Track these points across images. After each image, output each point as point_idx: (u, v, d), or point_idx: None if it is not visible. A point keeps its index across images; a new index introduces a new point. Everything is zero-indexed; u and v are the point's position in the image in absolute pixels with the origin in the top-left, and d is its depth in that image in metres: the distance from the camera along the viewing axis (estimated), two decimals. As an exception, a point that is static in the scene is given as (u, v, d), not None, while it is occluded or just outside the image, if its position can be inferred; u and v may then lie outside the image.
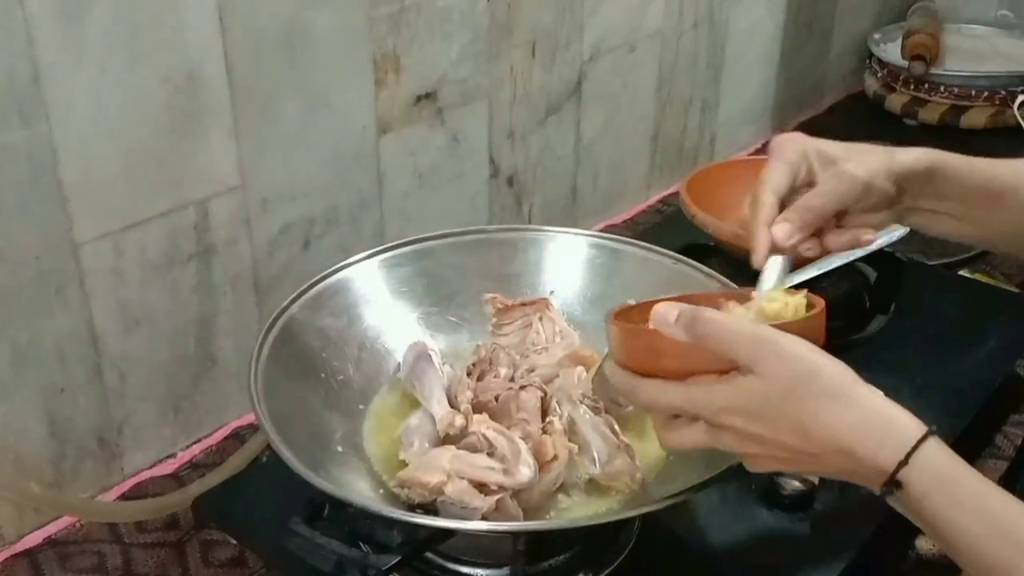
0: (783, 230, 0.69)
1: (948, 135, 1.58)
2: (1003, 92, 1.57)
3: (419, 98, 1.04)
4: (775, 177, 0.71)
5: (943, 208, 0.74)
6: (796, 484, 0.80)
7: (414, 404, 0.79)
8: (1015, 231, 0.75)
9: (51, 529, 0.87)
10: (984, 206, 0.74)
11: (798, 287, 0.68)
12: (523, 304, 0.86)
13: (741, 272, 0.98)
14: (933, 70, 1.60)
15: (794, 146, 0.72)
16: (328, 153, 0.98)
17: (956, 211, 0.74)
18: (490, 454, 0.71)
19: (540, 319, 0.85)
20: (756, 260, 0.70)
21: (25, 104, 0.75)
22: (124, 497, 0.90)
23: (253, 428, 0.96)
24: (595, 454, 0.73)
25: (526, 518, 0.70)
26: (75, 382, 0.86)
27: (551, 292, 0.89)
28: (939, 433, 0.57)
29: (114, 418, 0.90)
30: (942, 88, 1.60)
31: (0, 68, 0.73)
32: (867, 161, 0.71)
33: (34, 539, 0.86)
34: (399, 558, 0.63)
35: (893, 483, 0.56)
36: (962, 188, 0.73)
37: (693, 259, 0.88)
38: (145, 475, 0.93)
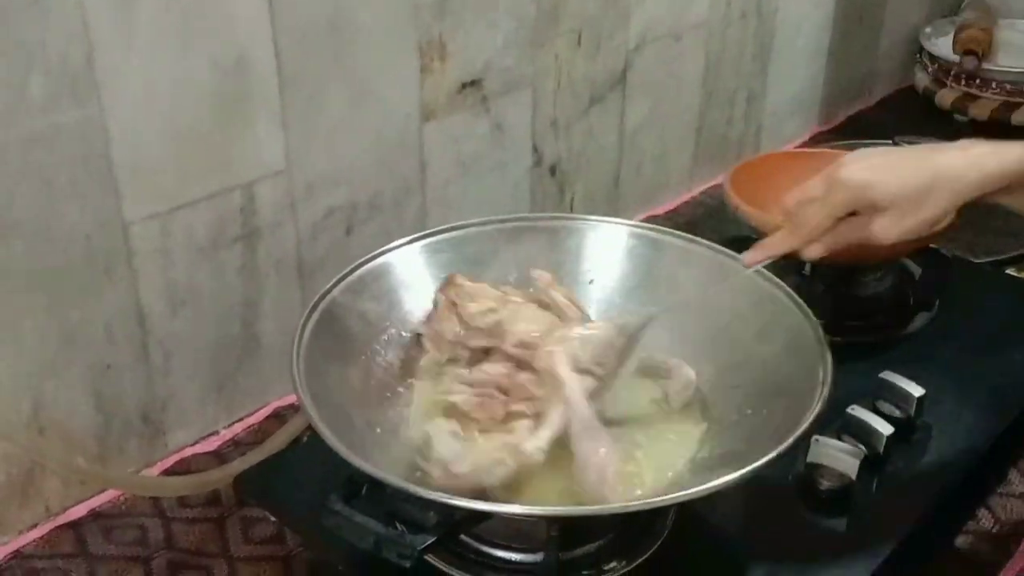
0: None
1: (998, 132, 1.55)
2: (1056, 89, 1.54)
3: (464, 86, 1.04)
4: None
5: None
6: (834, 480, 0.80)
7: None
8: None
9: (95, 502, 0.89)
10: None
11: None
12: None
13: (783, 265, 0.98)
14: (985, 66, 1.57)
15: (844, 193, 0.71)
16: (372, 140, 0.98)
17: None
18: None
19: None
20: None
21: (78, 85, 0.77)
22: (167, 473, 0.92)
23: (294, 408, 0.97)
24: None
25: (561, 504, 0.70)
26: (122, 360, 0.87)
27: (591, 281, 0.89)
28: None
29: (159, 396, 0.91)
30: (994, 84, 1.57)
31: (55, 49, 0.75)
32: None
33: (79, 511, 0.88)
34: (435, 538, 0.64)
35: None
36: None
37: (735, 251, 0.87)
38: (188, 452, 0.95)
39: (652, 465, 0.75)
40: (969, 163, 0.68)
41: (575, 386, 0.72)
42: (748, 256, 0.76)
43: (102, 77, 0.78)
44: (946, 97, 1.62)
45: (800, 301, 0.81)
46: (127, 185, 0.82)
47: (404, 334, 0.83)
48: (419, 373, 0.81)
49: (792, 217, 0.73)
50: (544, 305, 0.81)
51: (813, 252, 0.72)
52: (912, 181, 0.68)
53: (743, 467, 0.65)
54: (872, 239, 0.69)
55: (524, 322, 0.78)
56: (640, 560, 0.75)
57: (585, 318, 0.82)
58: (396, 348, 0.83)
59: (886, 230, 0.68)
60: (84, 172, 0.79)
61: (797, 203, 0.73)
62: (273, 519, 0.85)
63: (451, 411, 0.74)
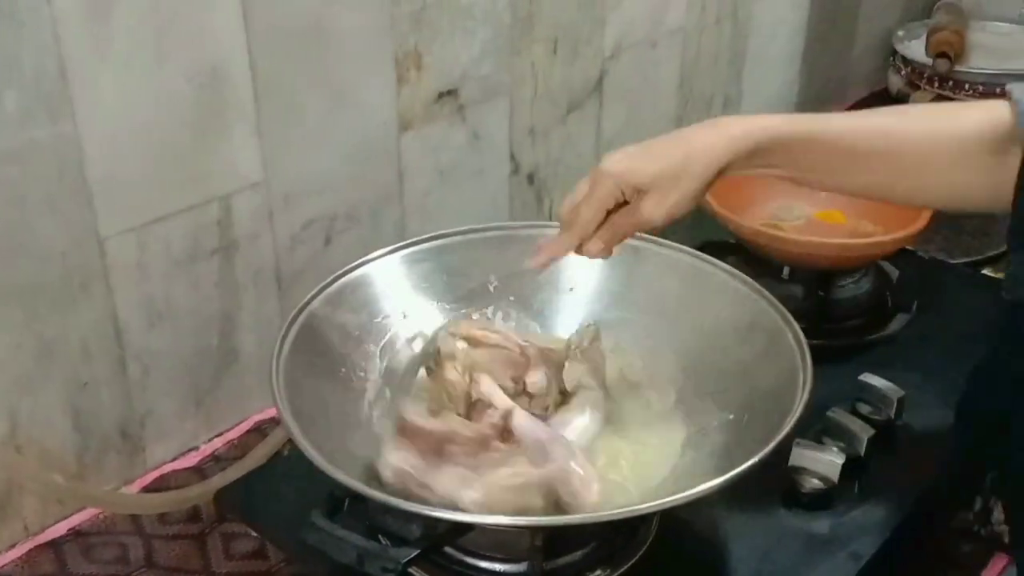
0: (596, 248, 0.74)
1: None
2: (1029, 90, 1.55)
3: (440, 95, 1.04)
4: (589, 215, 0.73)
5: (775, 173, 0.74)
6: (816, 483, 0.80)
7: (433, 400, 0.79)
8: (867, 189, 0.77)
9: (75, 520, 0.88)
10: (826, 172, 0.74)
11: None
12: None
13: (761, 269, 0.98)
14: (958, 68, 1.58)
15: (606, 183, 0.72)
16: (350, 150, 0.98)
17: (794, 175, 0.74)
18: None
19: None
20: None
21: (52, 100, 0.76)
22: (146, 489, 0.91)
23: (275, 422, 0.97)
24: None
25: (544, 514, 0.70)
26: (99, 376, 0.86)
27: (571, 289, 0.89)
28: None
29: (137, 411, 0.90)
30: (966, 86, 1.59)
31: (28, 65, 0.74)
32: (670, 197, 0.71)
33: (58, 530, 0.87)
34: (418, 551, 0.64)
35: None
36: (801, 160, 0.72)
37: (713, 256, 0.88)
38: (167, 468, 0.94)
39: (635, 472, 0.75)
40: (718, 133, 0.71)
41: (517, 411, 0.72)
42: (531, 260, 0.77)
43: (76, 91, 0.77)
44: (920, 99, 1.63)
45: (779, 305, 0.81)
46: (102, 200, 0.81)
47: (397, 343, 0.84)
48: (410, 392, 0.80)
49: (567, 220, 0.74)
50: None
51: (593, 248, 0.74)
52: (668, 159, 0.70)
53: (725, 472, 0.66)
54: (643, 221, 0.71)
55: (491, 383, 0.77)
56: (625, 567, 0.75)
57: (530, 347, 0.81)
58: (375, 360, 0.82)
59: (653, 210, 0.71)
60: (59, 187, 0.79)
61: (570, 206, 0.74)
62: (255, 534, 0.85)
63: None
